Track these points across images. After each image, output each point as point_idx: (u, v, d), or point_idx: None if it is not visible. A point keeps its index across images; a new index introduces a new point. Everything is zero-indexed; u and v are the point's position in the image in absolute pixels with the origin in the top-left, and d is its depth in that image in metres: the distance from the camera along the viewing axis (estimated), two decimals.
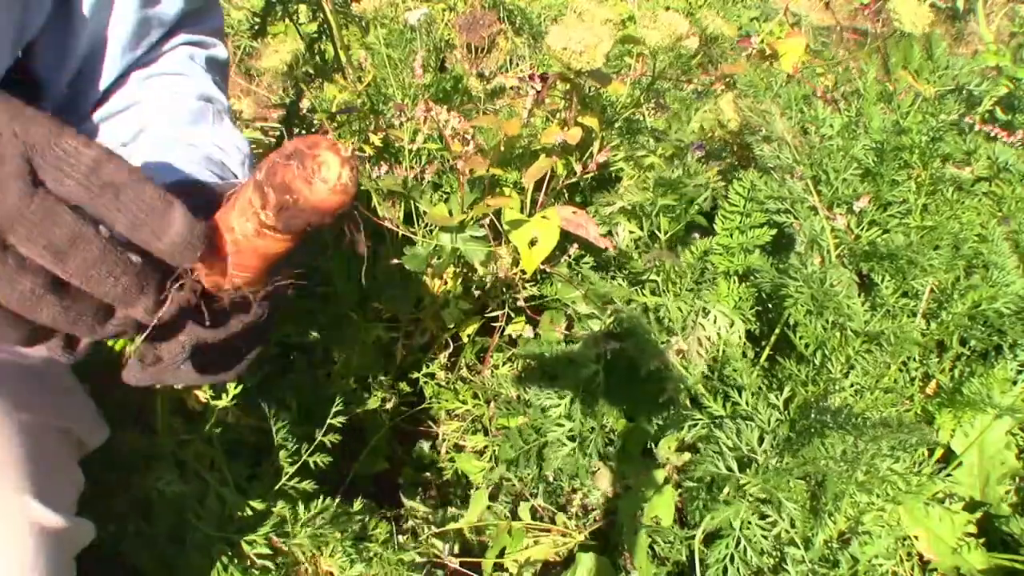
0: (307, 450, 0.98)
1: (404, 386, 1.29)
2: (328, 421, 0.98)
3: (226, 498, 0.92)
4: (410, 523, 1.13)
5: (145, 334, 0.39)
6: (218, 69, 0.77)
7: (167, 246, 0.35)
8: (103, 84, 0.68)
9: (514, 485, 1.09)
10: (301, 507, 0.96)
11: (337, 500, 0.99)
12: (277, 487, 0.97)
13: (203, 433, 0.96)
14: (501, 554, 1.07)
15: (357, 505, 1.02)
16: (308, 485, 0.98)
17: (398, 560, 0.98)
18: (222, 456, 0.97)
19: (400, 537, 1.10)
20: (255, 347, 0.49)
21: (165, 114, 0.65)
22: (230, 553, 0.91)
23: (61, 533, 0.55)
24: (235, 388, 0.96)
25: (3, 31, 0.58)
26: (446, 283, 1.19)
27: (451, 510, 1.15)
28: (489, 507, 1.10)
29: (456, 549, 1.09)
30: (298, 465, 0.98)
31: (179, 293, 0.38)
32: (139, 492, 0.90)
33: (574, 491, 1.07)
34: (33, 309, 0.34)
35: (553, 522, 1.07)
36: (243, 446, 1.05)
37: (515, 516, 1.09)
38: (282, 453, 0.98)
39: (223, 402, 0.95)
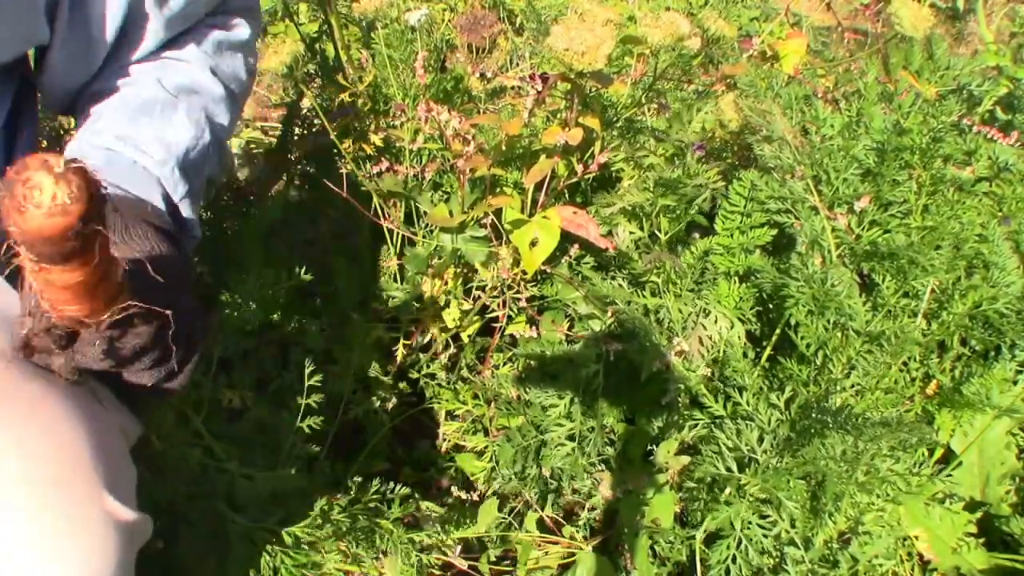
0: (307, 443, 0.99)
1: (404, 386, 1.29)
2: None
3: (258, 485, 0.91)
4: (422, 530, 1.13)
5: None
6: (231, 50, 0.78)
7: None
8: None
9: (518, 493, 1.09)
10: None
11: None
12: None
13: (212, 429, 0.95)
14: (502, 560, 1.07)
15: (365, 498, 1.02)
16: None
17: (409, 539, 0.99)
18: (234, 449, 0.96)
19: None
20: (158, 365, 0.57)
21: (115, 108, 0.69)
22: (273, 541, 0.90)
23: (131, 526, 0.55)
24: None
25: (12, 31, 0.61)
26: (446, 283, 1.19)
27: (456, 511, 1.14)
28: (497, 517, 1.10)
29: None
30: (300, 459, 0.98)
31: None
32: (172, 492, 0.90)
33: (575, 492, 1.07)
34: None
35: (560, 532, 1.08)
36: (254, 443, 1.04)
37: (521, 526, 1.09)
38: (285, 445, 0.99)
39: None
